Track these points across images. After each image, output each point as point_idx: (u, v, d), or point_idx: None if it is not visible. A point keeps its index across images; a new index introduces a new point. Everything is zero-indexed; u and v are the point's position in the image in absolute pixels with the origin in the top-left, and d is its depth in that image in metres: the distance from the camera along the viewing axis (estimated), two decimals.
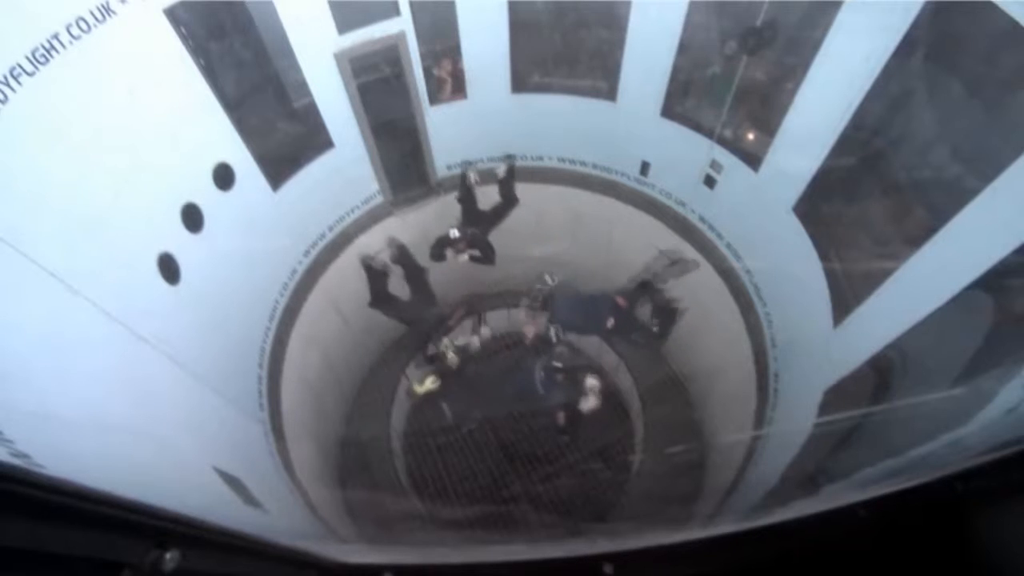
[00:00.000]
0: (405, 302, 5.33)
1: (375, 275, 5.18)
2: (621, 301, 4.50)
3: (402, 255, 5.21)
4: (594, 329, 4.66)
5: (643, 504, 5.59)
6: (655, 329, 4.66)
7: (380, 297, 5.28)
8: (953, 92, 3.14)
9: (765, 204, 4.37)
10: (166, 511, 0.97)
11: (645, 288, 4.80)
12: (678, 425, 6.27)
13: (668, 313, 4.73)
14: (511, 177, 5.21)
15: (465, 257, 5.07)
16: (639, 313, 4.72)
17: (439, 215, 5.60)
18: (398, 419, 6.59)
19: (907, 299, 3.28)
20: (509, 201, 5.34)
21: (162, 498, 1.00)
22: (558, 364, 4.41)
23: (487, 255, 5.08)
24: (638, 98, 4.89)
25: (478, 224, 5.29)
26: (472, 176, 5.15)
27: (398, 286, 5.39)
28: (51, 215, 2.58)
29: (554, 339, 4.61)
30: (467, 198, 5.27)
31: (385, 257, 5.20)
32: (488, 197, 5.37)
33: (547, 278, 5.08)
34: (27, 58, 2.46)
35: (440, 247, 5.08)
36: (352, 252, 5.52)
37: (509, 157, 5.14)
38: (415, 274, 5.25)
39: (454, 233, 4.97)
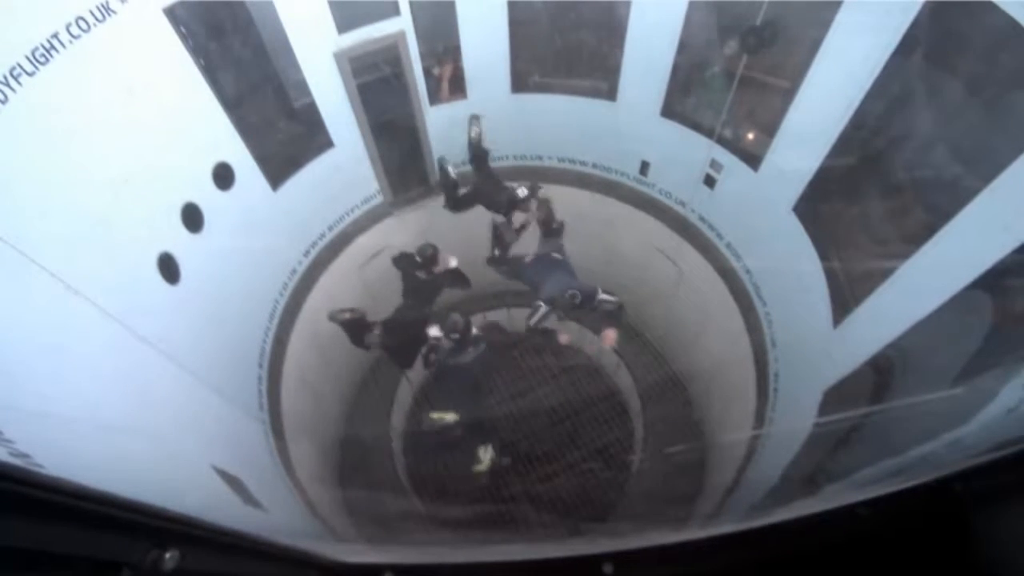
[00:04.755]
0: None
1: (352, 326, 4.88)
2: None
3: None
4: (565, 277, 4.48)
5: (643, 504, 5.60)
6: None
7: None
8: (953, 92, 3.14)
9: (765, 204, 4.37)
10: (166, 511, 0.97)
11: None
12: (678, 425, 6.27)
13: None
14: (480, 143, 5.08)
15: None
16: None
17: (439, 215, 5.60)
18: (398, 419, 6.59)
19: (907, 299, 3.28)
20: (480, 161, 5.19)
21: (162, 498, 1.00)
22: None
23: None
24: (638, 98, 4.89)
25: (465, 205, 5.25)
26: (451, 169, 5.12)
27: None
28: (51, 215, 2.58)
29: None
30: (450, 190, 5.23)
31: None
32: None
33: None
34: (27, 58, 2.46)
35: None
36: (352, 252, 5.52)
37: (475, 117, 5.00)
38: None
39: (522, 191, 4.80)
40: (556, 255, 4.69)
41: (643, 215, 5.66)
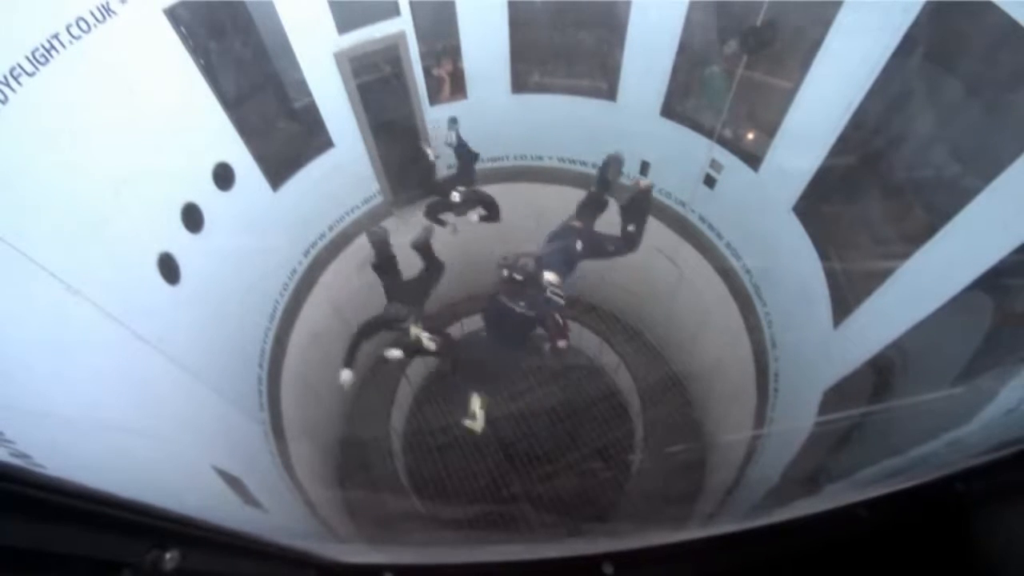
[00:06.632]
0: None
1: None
2: (576, 223, 4.33)
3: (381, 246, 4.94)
4: (570, 262, 4.38)
5: (643, 504, 5.60)
6: (630, 228, 4.33)
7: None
8: (953, 92, 3.14)
9: (765, 204, 4.37)
10: (166, 511, 0.97)
11: (593, 200, 4.51)
12: (678, 425, 6.27)
13: (636, 203, 4.36)
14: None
15: (475, 218, 4.89)
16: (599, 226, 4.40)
17: None
18: (398, 419, 6.60)
19: (907, 299, 3.28)
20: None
21: (162, 498, 1.00)
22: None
23: (492, 211, 4.91)
24: (638, 98, 4.89)
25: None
26: (430, 153, 5.11)
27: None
28: (51, 215, 2.58)
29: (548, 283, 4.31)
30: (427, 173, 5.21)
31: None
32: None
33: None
34: (27, 58, 2.46)
35: (438, 210, 4.90)
36: (352, 252, 5.52)
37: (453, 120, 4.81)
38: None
39: (455, 196, 4.77)
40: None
41: None
